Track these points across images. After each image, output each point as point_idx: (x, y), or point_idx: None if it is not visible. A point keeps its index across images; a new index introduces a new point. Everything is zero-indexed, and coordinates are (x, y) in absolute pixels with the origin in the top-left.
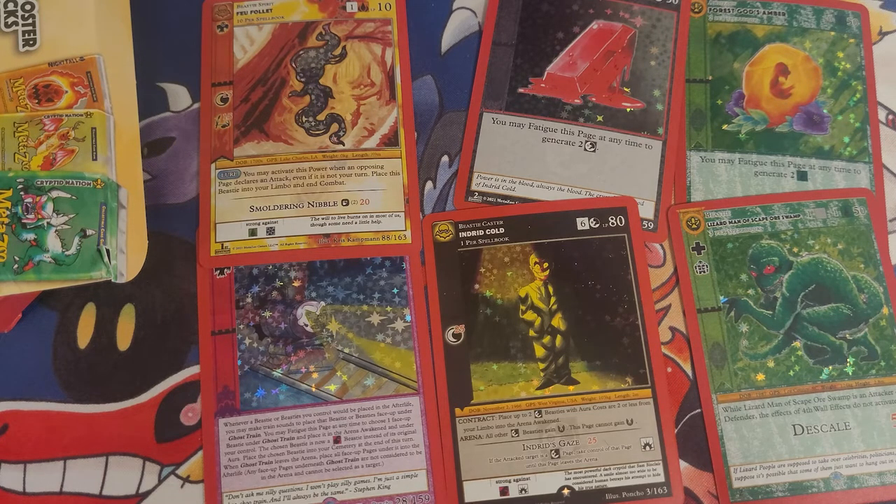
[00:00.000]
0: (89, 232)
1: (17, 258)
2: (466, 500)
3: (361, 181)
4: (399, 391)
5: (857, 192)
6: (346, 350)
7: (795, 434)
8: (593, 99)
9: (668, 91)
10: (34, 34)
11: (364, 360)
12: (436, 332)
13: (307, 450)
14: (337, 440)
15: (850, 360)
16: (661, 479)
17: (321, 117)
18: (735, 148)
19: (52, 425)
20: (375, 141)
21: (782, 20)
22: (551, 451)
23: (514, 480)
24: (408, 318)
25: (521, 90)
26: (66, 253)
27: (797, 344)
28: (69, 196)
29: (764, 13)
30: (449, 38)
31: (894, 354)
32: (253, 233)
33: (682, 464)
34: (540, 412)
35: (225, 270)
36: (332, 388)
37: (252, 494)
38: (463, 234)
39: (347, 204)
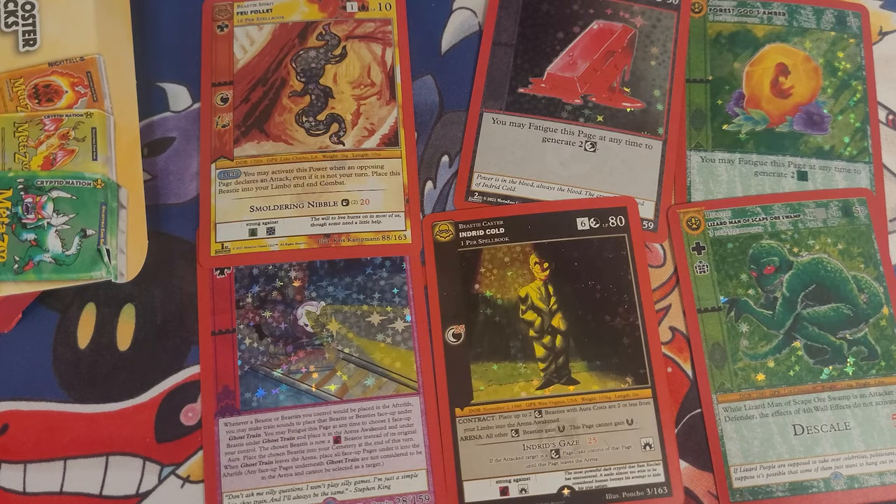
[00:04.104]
0: (89, 232)
1: (17, 258)
2: (466, 500)
3: (361, 181)
4: (399, 391)
5: (857, 192)
6: (346, 350)
7: (795, 434)
8: (593, 99)
9: (668, 91)
10: (34, 34)
11: (364, 360)
12: (436, 332)
13: (307, 450)
14: (337, 440)
15: (851, 360)
16: (661, 479)
17: (321, 117)
18: (735, 148)
19: (52, 425)
20: (375, 141)
21: (782, 20)
22: (551, 451)
23: (514, 480)
24: (408, 318)
25: (521, 90)
26: (67, 253)
27: (797, 344)
28: (69, 196)
29: (764, 13)
30: (449, 38)
31: (894, 354)
32: (253, 233)
33: (682, 464)
34: (540, 412)
35: (225, 270)
36: (332, 388)
37: (252, 494)
38: (463, 234)
39: (347, 204)
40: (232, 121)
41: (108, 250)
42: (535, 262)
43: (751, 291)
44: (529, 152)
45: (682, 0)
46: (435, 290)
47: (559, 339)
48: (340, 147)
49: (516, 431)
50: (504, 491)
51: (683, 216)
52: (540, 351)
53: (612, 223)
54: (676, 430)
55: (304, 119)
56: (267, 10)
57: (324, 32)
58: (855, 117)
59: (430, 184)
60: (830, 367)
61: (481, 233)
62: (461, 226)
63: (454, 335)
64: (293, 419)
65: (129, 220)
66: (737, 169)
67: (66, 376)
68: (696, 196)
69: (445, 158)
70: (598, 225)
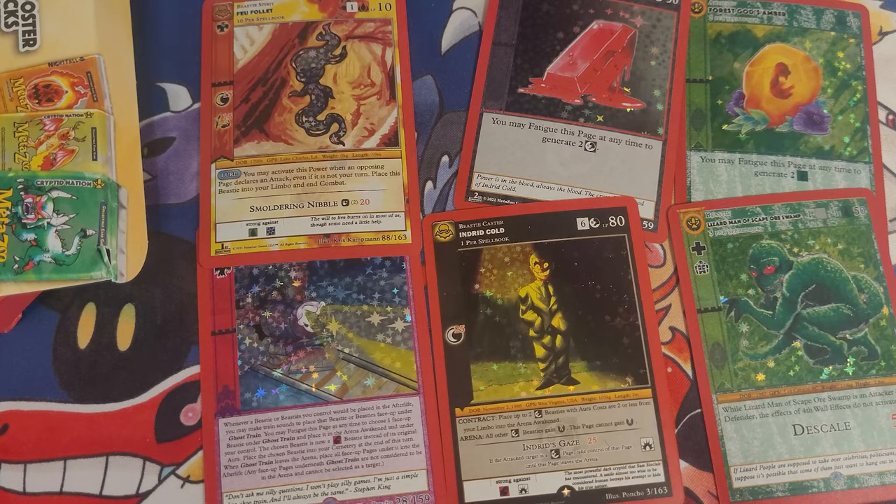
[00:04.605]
0: (89, 232)
1: (17, 258)
2: (466, 500)
3: (361, 181)
4: (399, 391)
5: (857, 192)
6: (346, 350)
7: (795, 434)
8: (593, 99)
9: (668, 91)
10: (34, 34)
11: (364, 360)
12: (436, 332)
13: (307, 450)
14: (337, 440)
15: (851, 360)
16: (661, 479)
17: (321, 117)
18: (735, 148)
19: (52, 425)
20: (375, 141)
21: (782, 20)
22: (551, 451)
23: (514, 480)
24: (408, 318)
25: (521, 90)
26: (66, 253)
27: (797, 344)
28: (69, 196)
29: (764, 13)
30: (449, 38)
31: (894, 354)
32: (253, 233)
33: (683, 464)
34: (540, 412)
35: (225, 270)
36: (332, 388)
37: (252, 494)
38: (463, 234)
39: (347, 204)
40: (232, 121)
41: (108, 250)
42: (535, 262)
43: (751, 291)
44: (529, 152)
45: (682, 0)
46: (435, 290)
47: (559, 339)
48: (340, 147)
49: (516, 431)
50: (504, 491)
51: (683, 216)
52: (540, 351)
53: (612, 223)
54: (676, 430)
55: (304, 119)
56: (267, 10)
57: (324, 32)
58: (855, 117)
59: (430, 184)
60: (830, 367)
61: (481, 233)
62: (461, 226)
63: (454, 335)
64: (293, 419)
65: (129, 220)
66: (737, 169)
67: (66, 376)
68: (696, 196)
69: (445, 158)
70: (598, 225)
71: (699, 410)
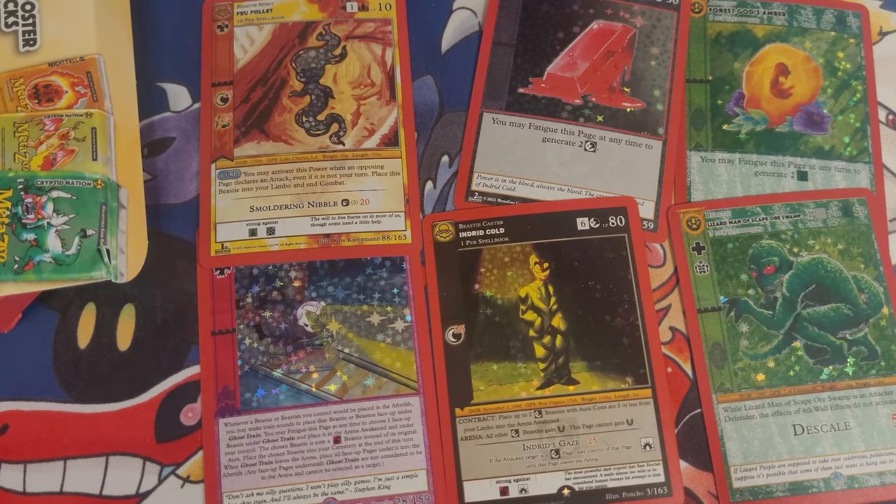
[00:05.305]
0: (89, 232)
1: (17, 258)
2: (466, 500)
3: (361, 181)
4: (399, 391)
5: (857, 192)
6: (346, 350)
7: (795, 434)
8: (593, 99)
9: (668, 91)
10: (34, 34)
11: (364, 360)
12: (436, 332)
13: (307, 450)
14: (337, 440)
15: (851, 360)
16: (661, 479)
17: (321, 117)
18: (735, 148)
19: (52, 425)
20: (375, 141)
21: (782, 20)
22: (551, 451)
23: (514, 480)
24: (408, 318)
25: (521, 90)
26: (66, 253)
27: (797, 344)
28: (69, 196)
29: (764, 13)
30: (449, 38)
31: (894, 354)
32: (253, 233)
33: (683, 464)
34: (540, 412)
35: (225, 270)
36: (332, 388)
37: (252, 494)
38: (463, 234)
39: (347, 204)
40: (232, 121)
41: (108, 250)
42: (535, 262)
43: (751, 291)
44: (529, 152)
45: (682, 0)
46: (435, 290)
47: (559, 339)
48: (340, 147)
49: (516, 431)
50: (504, 491)
51: (683, 216)
52: (540, 351)
53: (612, 223)
54: (676, 430)
55: (304, 119)
56: (267, 10)
57: (324, 32)
58: (855, 117)
59: (430, 184)
60: (830, 367)
61: (481, 233)
62: (461, 226)
63: (454, 335)
64: (293, 419)
65: (129, 220)
66: (737, 169)
67: (66, 376)
68: (696, 196)
69: (445, 158)
70: (598, 225)
71: (699, 410)
